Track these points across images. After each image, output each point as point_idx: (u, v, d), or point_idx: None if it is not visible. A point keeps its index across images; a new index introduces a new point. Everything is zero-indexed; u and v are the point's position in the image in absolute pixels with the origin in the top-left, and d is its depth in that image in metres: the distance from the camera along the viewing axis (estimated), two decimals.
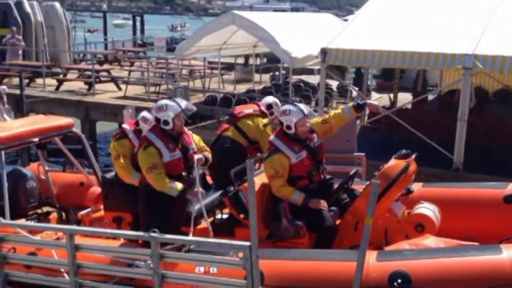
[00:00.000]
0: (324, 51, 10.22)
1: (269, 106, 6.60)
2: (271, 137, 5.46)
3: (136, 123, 6.17)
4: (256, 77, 19.45)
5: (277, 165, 5.23)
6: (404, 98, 13.84)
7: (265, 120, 6.43)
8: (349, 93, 15.47)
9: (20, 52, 18.81)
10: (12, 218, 6.08)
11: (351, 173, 5.63)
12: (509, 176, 7.14)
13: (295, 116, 5.28)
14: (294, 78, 16.35)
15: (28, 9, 20.01)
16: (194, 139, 5.47)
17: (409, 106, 12.38)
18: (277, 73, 19.25)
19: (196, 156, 5.21)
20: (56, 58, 20.34)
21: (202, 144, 5.57)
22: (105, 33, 35.32)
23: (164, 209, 5.09)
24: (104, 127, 16.29)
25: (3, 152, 6.25)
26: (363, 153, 6.74)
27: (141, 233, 4.48)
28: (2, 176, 6.13)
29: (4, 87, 7.43)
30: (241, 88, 17.34)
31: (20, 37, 18.85)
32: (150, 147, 5.11)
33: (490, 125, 10.49)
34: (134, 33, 41.10)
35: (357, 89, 14.62)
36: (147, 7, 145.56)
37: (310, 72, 19.40)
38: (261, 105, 6.60)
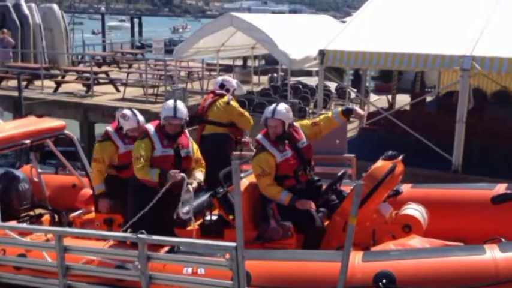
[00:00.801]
0: (322, 53, 10.24)
1: (221, 85, 6.86)
2: (259, 136, 5.50)
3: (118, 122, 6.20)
4: (255, 78, 19.47)
5: (264, 163, 5.29)
6: (403, 100, 13.87)
7: (225, 98, 6.64)
8: (348, 95, 15.49)
9: (11, 54, 18.78)
10: (5, 219, 6.07)
11: (339, 174, 5.66)
12: (508, 177, 7.15)
13: (264, 115, 5.42)
14: (292, 80, 16.35)
15: (26, 11, 20.02)
16: (193, 147, 5.44)
17: (408, 108, 12.40)
18: (275, 75, 19.27)
19: (190, 187, 5.06)
20: (54, 60, 20.36)
21: (199, 155, 5.49)
22: (103, 35, 35.27)
23: (152, 204, 5.05)
24: (102, 129, 16.18)
25: None
26: (353, 155, 6.81)
27: (128, 234, 4.52)
28: None
29: None
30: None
31: (10, 39, 18.84)
32: (145, 139, 5.22)
33: (488, 126, 10.51)
34: (132, 35, 41.08)
35: (355, 90, 14.63)
36: (145, 9, 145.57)
37: (309, 74, 19.42)
38: (214, 90, 6.86)
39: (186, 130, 5.46)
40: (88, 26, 49.43)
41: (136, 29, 41.17)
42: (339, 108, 5.74)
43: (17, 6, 20.16)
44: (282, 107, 5.45)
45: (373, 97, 16.12)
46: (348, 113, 5.56)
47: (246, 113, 6.77)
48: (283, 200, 5.26)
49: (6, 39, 18.71)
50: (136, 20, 43.06)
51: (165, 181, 4.98)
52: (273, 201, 5.28)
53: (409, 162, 9.46)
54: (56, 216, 6.82)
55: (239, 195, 3.93)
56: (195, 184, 5.12)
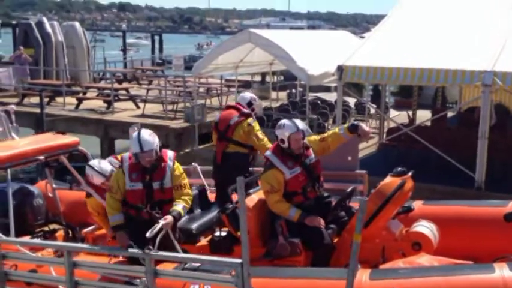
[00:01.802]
0: (340, 69, 10.20)
1: (249, 104, 6.69)
2: (267, 152, 5.50)
3: None
4: (273, 94, 19.47)
5: (272, 180, 5.27)
6: (423, 115, 13.72)
7: (250, 120, 6.54)
8: (367, 111, 15.38)
9: (28, 71, 19.10)
10: (19, 235, 6.15)
11: (348, 190, 5.61)
12: None
13: (288, 130, 5.31)
14: (311, 95, 16.32)
15: (49, 29, 20.37)
16: (175, 174, 5.13)
17: (428, 123, 12.27)
18: (293, 90, 19.25)
19: (162, 222, 4.79)
20: (76, 77, 20.64)
21: (181, 181, 5.16)
22: (125, 52, 35.84)
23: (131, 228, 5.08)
24: (122, 145, 16.39)
25: (9, 170, 6.36)
26: (365, 171, 6.75)
27: (135, 250, 4.52)
28: (8, 194, 6.23)
29: (13, 106, 7.58)
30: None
31: (27, 56, 19.15)
32: (120, 169, 5.19)
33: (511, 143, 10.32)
34: (153, 52, 41.57)
35: (374, 106, 14.53)
36: (166, 26, 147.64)
37: (327, 89, 19.36)
38: (242, 108, 6.64)
39: (168, 153, 5.23)
40: (110, 43, 50.25)
41: (157, 45, 41.68)
42: (345, 125, 5.78)
43: (40, 24, 20.54)
44: (299, 121, 5.47)
45: (393, 113, 15.99)
46: (353, 129, 5.55)
47: (265, 139, 6.58)
48: (292, 217, 5.23)
49: (23, 56, 19.05)
50: (157, 37, 43.61)
51: (114, 238, 4.92)
52: (281, 217, 5.25)
53: (430, 179, 9.50)
54: (70, 231, 6.85)
55: (244, 212, 3.94)
56: (169, 219, 4.80)
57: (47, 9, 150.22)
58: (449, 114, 13.84)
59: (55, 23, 21.75)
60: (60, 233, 6.88)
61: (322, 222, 5.23)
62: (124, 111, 16.51)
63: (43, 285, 5.04)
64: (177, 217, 4.92)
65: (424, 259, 4.84)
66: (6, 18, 70.22)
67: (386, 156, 11.34)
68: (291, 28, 47.52)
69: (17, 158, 6.40)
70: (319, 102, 16.13)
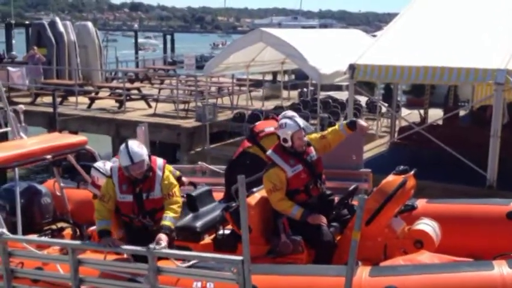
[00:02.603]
0: (352, 67, 10.17)
1: None
2: (269, 151, 5.54)
3: None
4: (285, 93, 19.45)
5: (275, 178, 5.30)
6: (435, 114, 13.65)
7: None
8: (378, 109, 15.34)
9: (41, 71, 19.26)
10: (28, 233, 6.22)
11: (350, 188, 5.64)
12: None
13: (291, 129, 5.36)
14: (322, 94, 16.29)
15: (61, 28, 20.53)
16: (164, 184, 5.09)
17: (440, 122, 12.19)
18: (305, 89, 19.23)
19: (157, 247, 4.58)
20: (88, 77, 20.78)
21: (171, 190, 5.09)
22: (136, 52, 36.03)
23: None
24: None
25: (17, 169, 6.45)
26: (369, 170, 6.77)
27: (138, 248, 4.57)
28: (16, 192, 6.31)
29: (21, 106, 7.62)
30: (270, 105, 17.36)
31: (41, 55, 19.30)
32: (109, 179, 5.17)
33: None
34: (165, 51, 41.75)
35: (386, 105, 14.47)
36: (178, 26, 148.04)
37: (339, 88, 19.33)
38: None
39: (158, 162, 5.18)
40: (121, 43, 50.53)
41: (169, 45, 41.86)
42: (344, 121, 5.84)
43: (53, 24, 20.71)
44: (300, 118, 5.54)
45: (404, 111, 15.91)
46: (352, 126, 5.61)
47: None
48: (295, 215, 5.25)
49: (37, 56, 19.22)
50: (168, 37, 43.80)
51: (101, 243, 4.89)
52: (284, 215, 5.28)
53: (442, 178, 9.45)
54: (77, 229, 6.90)
55: (245, 210, 4.01)
56: (163, 243, 4.62)
57: (60, 9, 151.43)
58: (462, 112, 13.75)
59: (68, 22, 21.92)
60: (68, 231, 6.95)
61: (324, 220, 5.26)
62: (136, 111, 16.60)
63: (49, 283, 5.12)
64: (169, 233, 4.84)
65: (424, 256, 4.88)
66: (19, 18, 70.78)
67: (397, 155, 11.29)
68: (303, 27, 47.48)
69: (25, 157, 6.46)
70: (330, 101, 16.10)
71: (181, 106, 16.40)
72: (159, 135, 15.05)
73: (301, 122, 5.48)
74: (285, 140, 5.38)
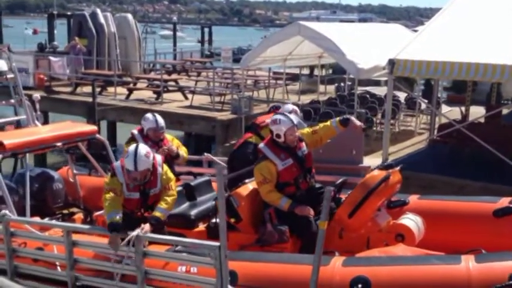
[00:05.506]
0: (391, 62, 9.96)
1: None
2: (261, 144, 5.71)
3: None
4: (321, 88, 19.30)
5: (265, 171, 5.46)
6: (477, 112, 13.30)
7: None
8: (418, 106, 15.04)
9: (82, 61, 19.61)
10: (40, 216, 6.52)
11: (337, 182, 5.75)
12: None
13: (285, 126, 5.51)
14: (360, 89, 16.07)
15: (102, 20, 20.87)
16: (163, 178, 5.39)
17: (482, 120, 11.87)
18: (342, 84, 19.03)
19: (139, 231, 4.95)
20: (127, 68, 21.09)
21: (169, 184, 5.43)
22: (175, 44, 36.21)
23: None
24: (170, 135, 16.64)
25: (27, 155, 6.75)
26: (369, 165, 6.87)
27: (130, 233, 4.91)
28: (26, 177, 6.58)
29: (37, 95, 7.85)
30: (306, 99, 17.24)
31: (82, 46, 19.64)
32: (114, 177, 5.33)
33: None
34: (202, 44, 41.95)
35: (426, 101, 14.17)
36: (216, 18, 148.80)
37: (377, 83, 19.03)
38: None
39: (157, 158, 5.42)
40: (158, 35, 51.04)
41: (206, 37, 42.05)
42: (337, 118, 5.90)
43: (94, 15, 21.07)
44: (293, 115, 5.69)
45: (445, 108, 15.55)
46: (345, 123, 5.74)
47: None
48: (283, 206, 5.43)
49: (78, 46, 19.58)
50: (206, 30, 44.02)
51: (110, 232, 5.03)
52: (271, 206, 5.47)
53: (482, 177, 9.19)
54: (88, 215, 7.18)
55: (222, 198, 4.31)
56: (146, 229, 4.97)
57: (101, 1, 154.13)
58: (504, 111, 13.37)
59: (108, 14, 22.28)
60: (79, 216, 7.25)
61: (311, 212, 5.44)
62: (173, 102, 16.75)
63: (47, 262, 5.50)
64: (155, 224, 5.10)
65: (399, 249, 5.06)
66: (61, 9, 72.46)
67: (436, 152, 11.06)
68: (342, 21, 46.95)
69: (36, 144, 6.72)
70: (368, 96, 15.87)
71: (217, 98, 16.46)
72: (195, 127, 15.15)
73: (294, 119, 5.61)
74: (278, 136, 5.55)
